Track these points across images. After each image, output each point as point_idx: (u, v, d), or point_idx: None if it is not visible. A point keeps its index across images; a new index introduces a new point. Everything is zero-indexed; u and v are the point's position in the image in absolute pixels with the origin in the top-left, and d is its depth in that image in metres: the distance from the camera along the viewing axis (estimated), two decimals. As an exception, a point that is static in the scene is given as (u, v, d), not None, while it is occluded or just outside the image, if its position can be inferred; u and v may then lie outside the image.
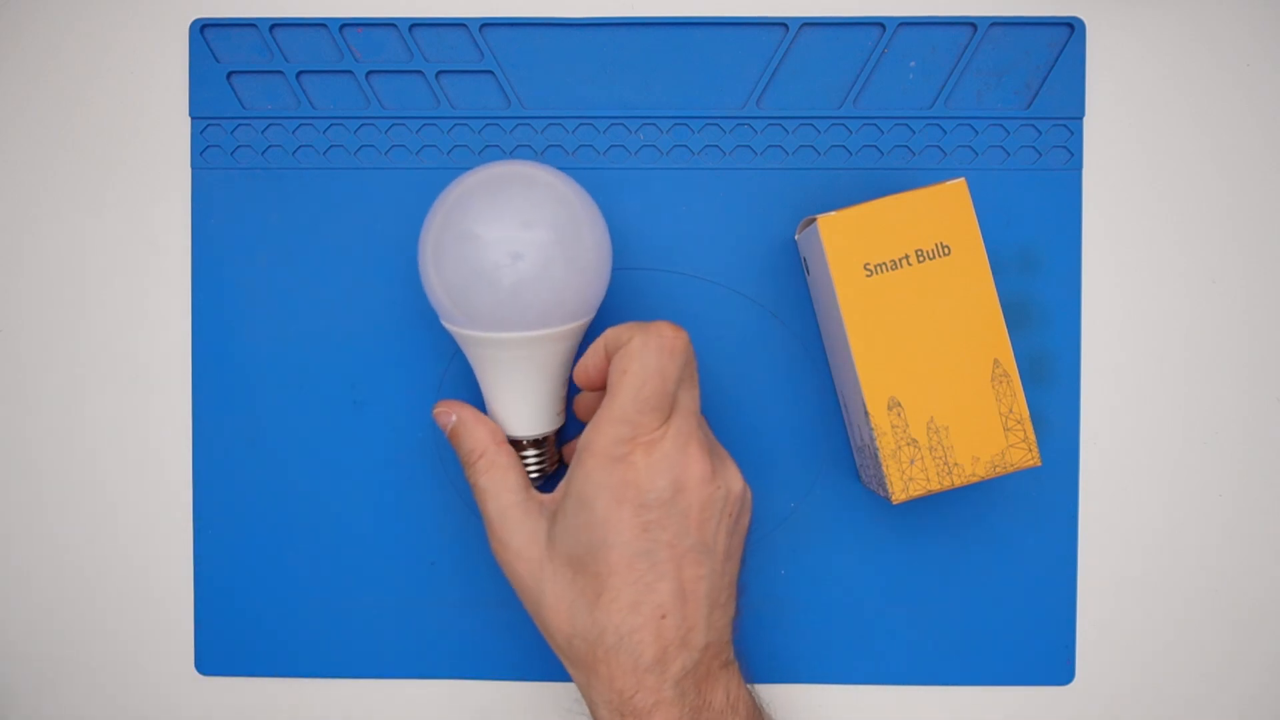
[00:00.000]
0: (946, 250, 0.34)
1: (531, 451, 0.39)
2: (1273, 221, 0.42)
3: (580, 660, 0.33)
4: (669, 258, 0.42)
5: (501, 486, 0.36)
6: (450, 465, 0.43)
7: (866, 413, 0.35)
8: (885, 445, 0.34)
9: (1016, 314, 0.42)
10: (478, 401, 0.40)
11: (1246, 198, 0.42)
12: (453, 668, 0.43)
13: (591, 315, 0.38)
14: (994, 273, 0.42)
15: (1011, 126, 0.42)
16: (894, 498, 0.35)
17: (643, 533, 0.33)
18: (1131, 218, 0.42)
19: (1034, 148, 0.42)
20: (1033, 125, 0.42)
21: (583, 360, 0.37)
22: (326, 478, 0.43)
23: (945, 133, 0.42)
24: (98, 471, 0.43)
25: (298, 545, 0.43)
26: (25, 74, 0.43)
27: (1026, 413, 0.35)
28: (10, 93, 0.43)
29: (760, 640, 0.42)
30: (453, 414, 0.38)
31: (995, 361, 0.35)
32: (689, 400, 0.34)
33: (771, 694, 0.43)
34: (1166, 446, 0.43)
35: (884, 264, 0.34)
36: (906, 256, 0.34)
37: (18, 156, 0.43)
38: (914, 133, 0.42)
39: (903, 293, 0.34)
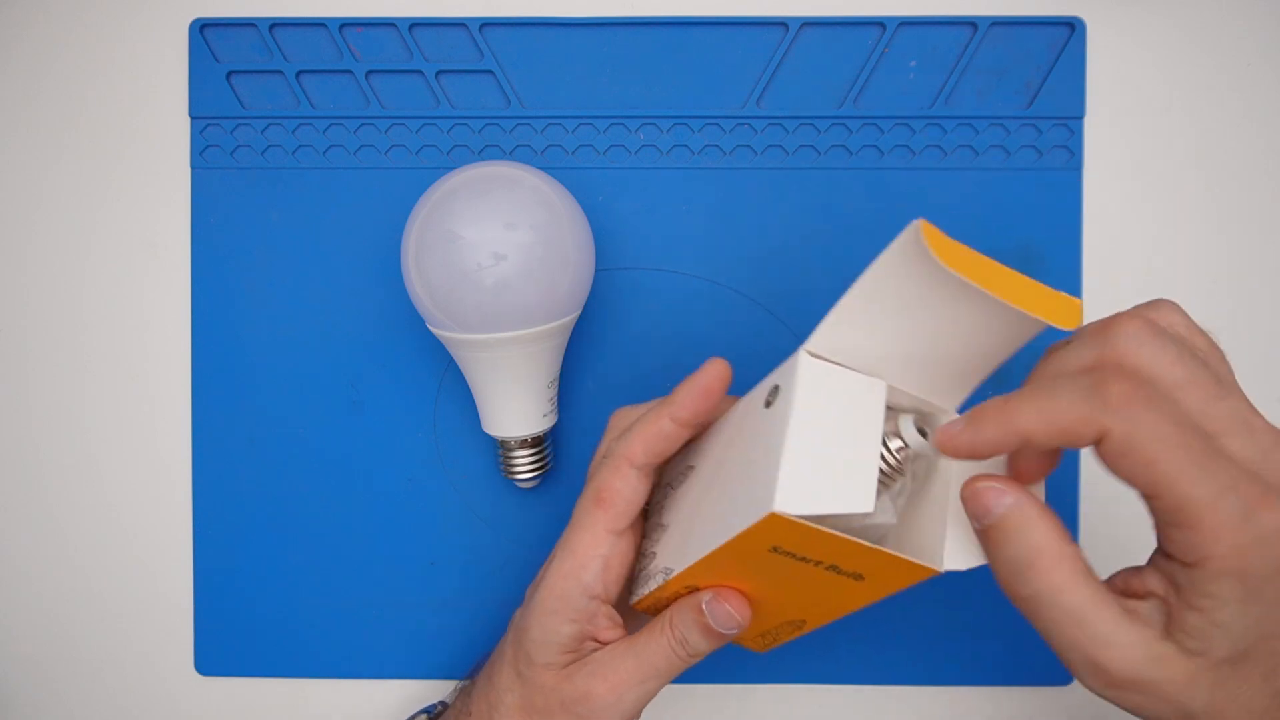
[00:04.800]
0: (859, 578, 0.29)
1: (525, 452, 0.39)
2: (1273, 221, 0.42)
3: None
4: (668, 257, 0.42)
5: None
6: (450, 465, 0.43)
7: (667, 571, 0.32)
8: (662, 591, 0.32)
9: (1016, 314, 0.42)
10: (472, 403, 0.40)
11: (1246, 198, 0.42)
12: (453, 668, 0.43)
13: (577, 311, 0.38)
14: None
15: (1012, 126, 0.42)
16: (632, 602, 0.34)
17: None
18: (1131, 218, 0.42)
19: (1034, 147, 0.42)
20: (1033, 125, 0.42)
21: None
22: (326, 478, 0.43)
23: (945, 132, 0.42)
24: (98, 471, 0.43)
25: (297, 545, 0.43)
26: (25, 74, 0.43)
27: (782, 639, 0.34)
28: (10, 93, 0.43)
29: (760, 640, 0.42)
30: (1006, 496, 0.27)
31: (801, 622, 0.33)
32: None
33: (772, 694, 0.43)
34: (1166, 446, 0.42)
35: (792, 554, 0.28)
36: (820, 563, 0.28)
37: (18, 156, 0.43)
38: (914, 132, 0.42)
39: (785, 573, 0.29)
